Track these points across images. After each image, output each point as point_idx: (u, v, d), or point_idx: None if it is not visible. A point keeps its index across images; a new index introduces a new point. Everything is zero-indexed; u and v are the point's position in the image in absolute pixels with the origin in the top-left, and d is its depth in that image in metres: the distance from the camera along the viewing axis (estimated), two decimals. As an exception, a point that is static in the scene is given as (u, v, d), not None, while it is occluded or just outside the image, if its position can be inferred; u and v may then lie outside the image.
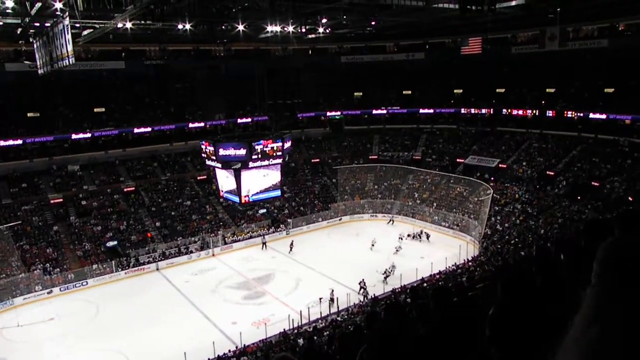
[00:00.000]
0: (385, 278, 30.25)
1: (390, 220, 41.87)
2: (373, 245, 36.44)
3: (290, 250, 36.46)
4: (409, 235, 38.06)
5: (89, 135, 42.68)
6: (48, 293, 30.62)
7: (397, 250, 35.05)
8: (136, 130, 44.74)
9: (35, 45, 28.26)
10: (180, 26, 34.39)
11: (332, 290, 27.64)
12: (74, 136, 42.07)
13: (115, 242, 35.52)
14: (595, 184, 36.27)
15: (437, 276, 29.21)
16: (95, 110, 44.43)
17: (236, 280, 32.20)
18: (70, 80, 42.41)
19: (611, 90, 41.35)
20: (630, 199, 32.71)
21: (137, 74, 46.76)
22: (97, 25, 30.50)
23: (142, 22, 30.93)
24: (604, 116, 40.55)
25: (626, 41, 41.19)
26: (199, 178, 43.45)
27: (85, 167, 41.34)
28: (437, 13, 34.25)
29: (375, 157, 49.81)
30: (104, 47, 43.25)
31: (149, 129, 45.29)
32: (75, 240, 35.22)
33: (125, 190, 40.47)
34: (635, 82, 39.21)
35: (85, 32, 33.48)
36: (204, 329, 25.35)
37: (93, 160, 42.06)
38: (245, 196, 28.86)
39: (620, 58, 40.10)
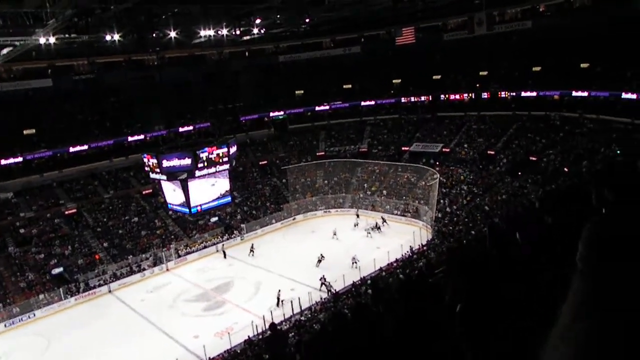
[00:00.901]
0: (354, 264, 30.78)
1: (356, 216, 41.42)
2: (335, 234, 36.88)
3: (252, 253, 35.98)
4: (374, 228, 38.45)
5: (20, 159, 40.24)
6: (-8, 331, 28.68)
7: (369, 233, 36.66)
8: (72, 149, 42.60)
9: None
10: (108, 37, 33.08)
11: (279, 291, 27.60)
12: (3, 162, 39.49)
13: (61, 269, 33.72)
14: (533, 158, 38.02)
15: (395, 264, 29.68)
16: (25, 132, 41.93)
17: (194, 292, 31.40)
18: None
19: (538, 68, 43.44)
20: (565, 169, 34.48)
21: (66, 91, 44.53)
22: (17, 43, 28.86)
23: (67, 35, 29.57)
24: (534, 94, 42.56)
25: (547, 21, 43.39)
26: (144, 192, 41.98)
27: (20, 193, 38.96)
28: (369, 6, 34.73)
29: (323, 153, 49.97)
30: (27, 65, 40.98)
31: (85, 147, 43.23)
32: (17, 272, 33.15)
33: (66, 213, 38.50)
34: (559, 60, 41.33)
35: (4, 51, 31.61)
36: (166, 346, 24.54)
37: (28, 185, 39.70)
38: (194, 207, 28.10)
39: (543, 37, 42.17)
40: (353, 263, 31.16)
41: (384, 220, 39.18)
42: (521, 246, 3.29)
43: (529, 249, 3.11)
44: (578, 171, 31.96)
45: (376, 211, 41.87)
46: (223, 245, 38.27)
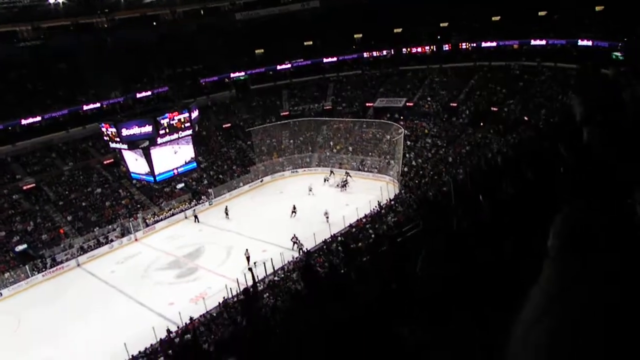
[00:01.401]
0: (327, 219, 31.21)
1: (330, 173, 41.31)
2: (310, 190, 37.60)
3: (227, 216, 35.94)
4: (342, 185, 38.72)
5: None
6: (-43, 313, 27.93)
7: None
8: (24, 122, 40.66)
9: None
10: (52, 0, 31.16)
11: (247, 250, 28.08)
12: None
13: (25, 245, 32.81)
14: (494, 109, 38.65)
15: (364, 220, 30.18)
16: (-30, 105, 39.69)
17: (165, 260, 31.24)
18: None
19: (498, 18, 43.53)
20: (525, 118, 35.28)
21: (12, 59, 41.99)
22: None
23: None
24: (494, 44, 42.82)
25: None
26: (105, 162, 40.78)
27: (-28, 170, 37.26)
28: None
29: (287, 113, 49.36)
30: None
31: (38, 118, 41.32)
32: (-23, 251, 32.11)
33: (24, 188, 37.13)
34: (517, 8, 41.41)
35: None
36: (141, 316, 24.52)
37: (-20, 161, 37.95)
38: (159, 175, 27.54)
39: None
40: (326, 217, 31.53)
41: (348, 174, 39.56)
42: (483, 209, 3.29)
43: (489, 215, 3.11)
44: (536, 121, 32.83)
45: (343, 169, 42.07)
46: (194, 210, 37.89)
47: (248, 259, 27.78)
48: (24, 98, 42.16)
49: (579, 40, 36.77)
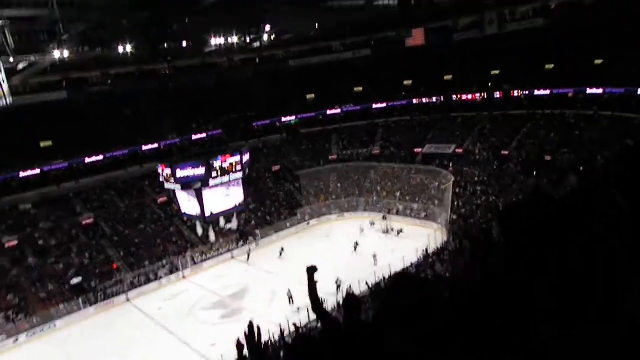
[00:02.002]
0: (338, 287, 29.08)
1: (383, 218, 41.14)
2: (362, 230, 38.20)
3: (280, 255, 36.45)
4: (384, 232, 38.59)
5: (38, 171, 40.96)
6: (14, 342, 29.12)
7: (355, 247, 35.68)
8: (87, 160, 43.30)
9: (-33, 86, 26.93)
10: (120, 49, 33.61)
11: (289, 290, 28.17)
12: (22, 174, 40.28)
13: (80, 279, 34.17)
14: (548, 158, 37.59)
15: (410, 269, 29.52)
16: (42, 144, 42.62)
17: (210, 300, 31.62)
18: (11, 116, 40.48)
19: (551, 66, 42.95)
20: (581, 168, 34.02)
21: (81, 103, 45.12)
22: (32, 58, 29.42)
23: (80, 49, 30.13)
24: (547, 92, 42.13)
25: (559, 18, 42.93)
26: (159, 201, 42.38)
27: (38, 204, 39.62)
28: (378, 10, 34.72)
29: (335, 157, 49.98)
30: (42, 79, 41.57)
31: (100, 157, 43.91)
32: (36, 283, 33.69)
33: (83, 223, 39.04)
34: (572, 57, 40.84)
35: (20, 66, 32.25)
36: (184, 355, 24.75)
37: (45, 197, 40.35)
38: (209, 217, 28.33)
39: (556, 35, 41.71)
40: (374, 260, 31.64)
41: (384, 217, 40.03)
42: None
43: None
44: (591, 169, 31.58)
45: (390, 214, 41.73)
46: (250, 249, 38.73)
47: (290, 298, 27.89)
48: (89, 138, 44.88)
49: (639, 89, 35.62)
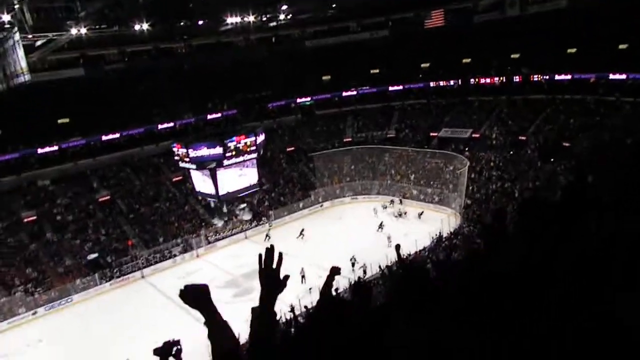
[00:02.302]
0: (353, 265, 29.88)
1: (391, 202, 41.26)
2: (375, 212, 38.48)
3: (301, 236, 36.66)
4: (398, 215, 38.60)
5: (56, 148, 41.45)
6: (33, 314, 29.95)
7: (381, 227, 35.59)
8: (104, 138, 43.68)
9: (-14, 62, 27.16)
10: (137, 27, 33.57)
11: (302, 269, 28.66)
12: (40, 150, 40.81)
13: (96, 254, 34.81)
14: (566, 144, 36.95)
15: (422, 252, 29.53)
16: (60, 121, 43.05)
17: (223, 279, 32.02)
18: (30, 92, 40.86)
19: (573, 50, 41.90)
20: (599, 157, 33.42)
21: (98, 80, 45.38)
22: (50, 35, 29.52)
23: (97, 27, 30.15)
24: (569, 77, 41.21)
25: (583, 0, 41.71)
26: (174, 179, 42.74)
27: (56, 181, 40.24)
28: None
29: (350, 139, 49.75)
30: (60, 55, 41.81)
31: (117, 135, 44.27)
32: (54, 257, 34.43)
33: (100, 200, 39.61)
34: (595, 41, 39.79)
35: (39, 42, 32.42)
36: (197, 332, 25.04)
37: (63, 173, 40.94)
38: (223, 196, 28.51)
39: (579, 18, 40.59)
40: (389, 241, 31.61)
41: (400, 201, 40.25)
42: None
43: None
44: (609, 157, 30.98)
45: (405, 198, 41.61)
46: (269, 229, 39.15)
47: (303, 277, 28.51)
48: (106, 116, 45.23)
49: (664, 76, 34.66)
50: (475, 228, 31.74)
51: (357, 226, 36.98)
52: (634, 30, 36.55)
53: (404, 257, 28.95)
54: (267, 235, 37.57)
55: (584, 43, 40.53)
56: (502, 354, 1.77)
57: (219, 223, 35.67)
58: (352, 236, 35.09)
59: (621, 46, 39.19)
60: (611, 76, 38.37)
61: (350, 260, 29.04)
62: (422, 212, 38.44)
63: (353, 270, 28.51)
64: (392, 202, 40.85)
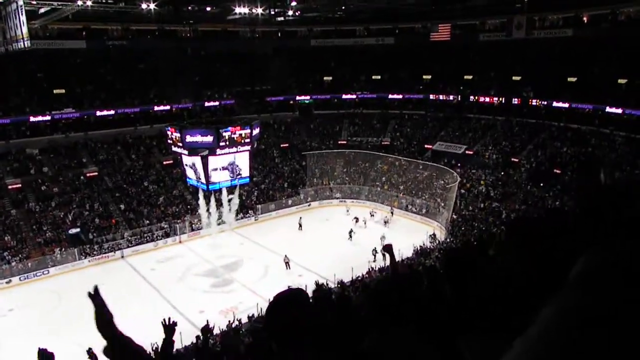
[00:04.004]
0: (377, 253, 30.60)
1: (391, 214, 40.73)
2: (357, 221, 37.83)
3: (300, 227, 37.32)
4: (384, 222, 38.55)
5: (48, 117, 41.02)
6: (7, 283, 29.62)
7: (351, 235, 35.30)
8: (99, 113, 43.29)
9: (-13, 24, 26.78)
10: (144, 5, 33.32)
11: (286, 255, 29.93)
12: (32, 119, 40.36)
13: (78, 229, 34.48)
14: (557, 171, 37.30)
15: (404, 261, 29.56)
16: (55, 91, 42.59)
17: (203, 267, 31.89)
18: (28, 59, 40.43)
19: (574, 79, 42.31)
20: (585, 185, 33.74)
21: (99, 55, 45.03)
22: (55, 4, 29.19)
23: (104, 1, 29.87)
24: (566, 105, 41.57)
25: (589, 31, 42.14)
26: (165, 163, 42.47)
27: (45, 150, 39.83)
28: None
29: (345, 142, 49.79)
30: (63, 25, 41.36)
31: (112, 112, 43.89)
32: (34, 227, 34.05)
33: (87, 174, 39.24)
34: (597, 72, 40.28)
35: (42, 10, 32.04)
36: (167, 317, 24.96)
37: (53, 144, 40.53)
38: (212, 184, 28.38)
39: (583, 48, 41.07)
40: (374, 255, 31.16)
41: (392, 213, 39.99)
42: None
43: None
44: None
45: (392, 206, 41.67)
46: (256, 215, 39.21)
47: (287, 264, 29.69)
48: (102, 91, 44.88)
49: (659, 114, 35.12)
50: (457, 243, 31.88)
51: (342, 229, 37.01)
52: (634, 66, 37.06)
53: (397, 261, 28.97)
54: (300, 225, 37.70)
55: (585, 73, 41.00)
56: None
57: (209, 230, 34.64)
58: (336, 239, 35.15)
59: (620, 80, 39.68)
60: (608, 109, 38.78)
61: (373, 252, 30.50)
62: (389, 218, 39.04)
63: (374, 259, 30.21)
64: (372, 214, 40.22)
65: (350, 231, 35.37)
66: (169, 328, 3.69)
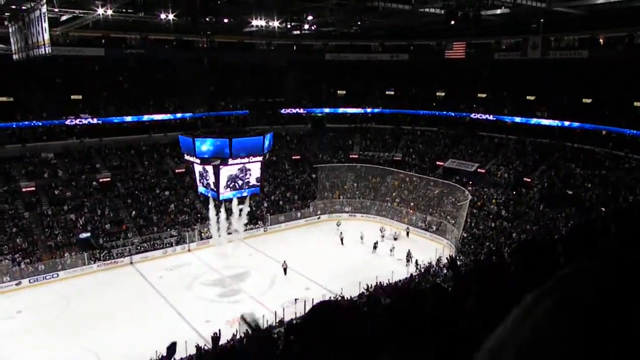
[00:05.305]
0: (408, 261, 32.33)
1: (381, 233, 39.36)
2: (362, 238, 37.69)
3: (340, 234, 37.53)
4: (394, 238, 38.37)
5: (65, 123, 41.64)
6: (17, 285, 29.86)
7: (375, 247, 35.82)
8: (115, 120, 43.89)
9: (10, 29, 27.41)
10: (163, 16, 33.86)
11: (284, 261, 30.71)
12: (48, 123, 41.00)
13: (89, 234, 34.77)
14: (570, 192, 36.94)
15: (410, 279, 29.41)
16: (72, 97, 43.30)
17: (211, 277, 31.89)
18: (47, 65, 41.10)
19: (589, 100, 42.09)
20: (602, 209, 33.36)
21: (117, 63, 45.79)
22: (76, 12, 29.77)
23: (124, 10, 30.44)
24: (581, 125, 41.28)
25: (605, 53, 42.00)
26: (177, 171, 42.79)
27: (59, 155, 40.39)
28: (422, 17, 34.36)
29: (356, 156, 49.86)
30: (83, 33, 42.13)
31: (128, 119, 44.50)
32: (46, 230, 34.39)
33: (100, 180, 39.63)
34: (612, 94, 40.02)
35: (64, 17, 32.68)
36: (177, 326, 24.99)
37: (68, 149, 41.09)
38: (223, 194, 28.48)
39: (599, 70, 40.90)
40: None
41: (407, 234, 39.29)
42: None
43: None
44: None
45: (401, 222, 41.50)
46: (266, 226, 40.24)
47: (285, 270, 30.29)
48: (118, 99, 45.51)
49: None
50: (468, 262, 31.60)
51: (351, 243, 36.94)
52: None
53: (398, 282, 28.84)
54: (341, 240, 37.55)
55: (599, 95, 40.77)
56: None
57: (218, 239, 34.09)
58: (345, 252, 35.12)
59: (636, 103, 39.39)
60: (623, 131, 38.45)
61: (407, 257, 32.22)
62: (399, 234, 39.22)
63: (408, 264, 32.09)
64: (382, 233, 39.75)
65: (375, 243, 36.04)
66: (170, 349, 3.64)
